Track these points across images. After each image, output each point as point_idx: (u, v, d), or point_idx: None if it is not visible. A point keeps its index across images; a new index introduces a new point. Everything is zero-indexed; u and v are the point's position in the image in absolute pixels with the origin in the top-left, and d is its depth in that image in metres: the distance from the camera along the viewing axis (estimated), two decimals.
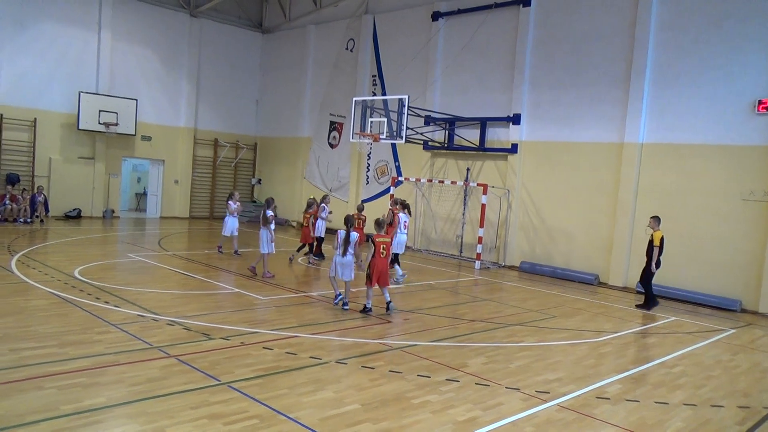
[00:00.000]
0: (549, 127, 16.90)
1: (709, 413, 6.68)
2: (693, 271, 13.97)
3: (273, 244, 12.94)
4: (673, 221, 14.24)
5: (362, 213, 15.28)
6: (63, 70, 21.44)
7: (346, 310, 10.24)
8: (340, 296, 10.44)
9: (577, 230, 16.20)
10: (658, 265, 12.46)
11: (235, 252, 15.44)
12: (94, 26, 22.04)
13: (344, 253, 10.07)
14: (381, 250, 9.97)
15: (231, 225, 15.58)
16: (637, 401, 6.83)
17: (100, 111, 21.57)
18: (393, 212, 14.29)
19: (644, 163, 14.92)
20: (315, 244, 15.59)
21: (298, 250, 15.78)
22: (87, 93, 21.50)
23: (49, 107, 21.21)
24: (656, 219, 12.56)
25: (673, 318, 12.05)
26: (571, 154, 16.38)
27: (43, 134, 21.13)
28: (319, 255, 15.72)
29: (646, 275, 12.63)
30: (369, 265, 10.02)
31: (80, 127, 21.38)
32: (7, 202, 19.32)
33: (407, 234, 14.21)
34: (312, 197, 16.60)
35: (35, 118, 20.89)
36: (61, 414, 5.28)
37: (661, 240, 12.42)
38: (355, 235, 10.16)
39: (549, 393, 6.83)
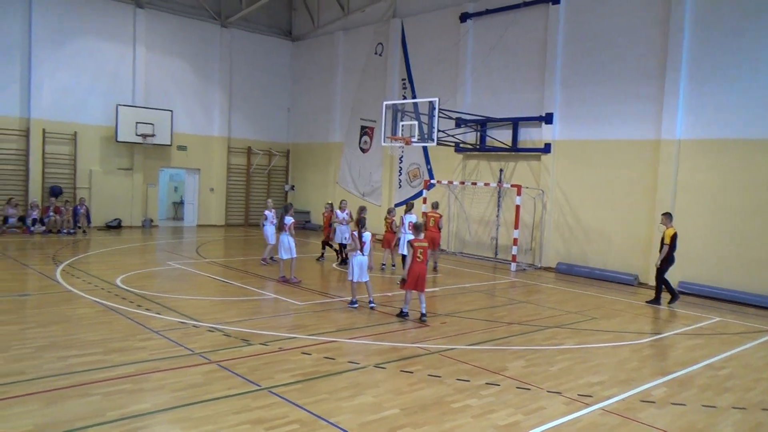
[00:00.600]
0: (582, 125, 16.65)
1: (760, 417, 6.47)
2: (736, 270, 13.56)
3: (293, 249, 12.86)
4: (715, 218, 13.89)
5: (392, 215, 15.57)
6: (101, 84, 22.02)
7: (373, 308, 10.55)
8: (356, 303, 10.79)
9: (614, 230, 15.90)
10: (671, 261, 12.48)
11: (271, 258, 15.60)
12: (129, 40, 22.59)
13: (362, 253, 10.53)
14: (418, 254, 9.84)
15: (271, 232, 15.55)
16: (684, 405, 6.66)
17: (137, 123, 22.08)
18: (426, 216, 14.53)
19: (682, 160, 14.57)
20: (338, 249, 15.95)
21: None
22: (124, 105, 22.03)
23: (88, 121, 21.79)
24: (668, 216, 12.59)
25: (718, 318, 11.72)
26: (605, 152, 16.10)
27: (83, 147, 21.72)
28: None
29: (658, 272, 12.68)
30: (407, 269, 9.87)
31: (118, 139, 21.92)
32: (51, 213, 19.89)
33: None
34: (329, 202, 16.99)
35: (75, 132, 21.49)
36: (107, 420, 5.40)
37: (673, 237, 12.38)
38: (367, 235, 10.54)
39: (592, 396, 6.70)
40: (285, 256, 12.85)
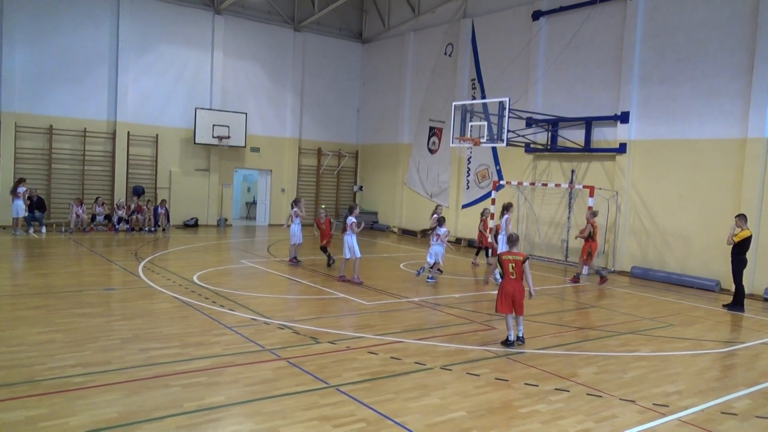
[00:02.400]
0: (661, 124, 15.99)
1: None
2: None
3: (355, 249, 12.81)
4: None
5: (486, 216, 15.97)
6: (181, 89, 23.04)
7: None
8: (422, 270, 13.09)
9: (694, 233, 15.18)
10: (743, 263, 12.22)
11: (295, 258, 15.35)
12: (208, 46, 23.51)
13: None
14: (510, 270, 8.44)
15: (297, 232, 15.25)
16: None
17: (213, 125, 22.96)
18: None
19: None
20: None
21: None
22: (202, 109, 22.96)
23: (169, 124, 22.85)
24: (742, 217, 12.24)
25: None
26: (686, 152, 15.38)
27: (164, 149, 22.80)
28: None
29: (734, 275, 12.41)
30: (499, 289, 8.65)
31: (196, 141, 22.85)
32: (135, 212, 20.98)
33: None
34: (323, 207, 16.95)
35: (157, 134, 22.58)
36: (185, 411, 5.66)
37: (747, 239, 12.10)
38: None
39: (668, 406, 6.44)
40: (348, 256, 12.96)
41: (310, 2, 25.33)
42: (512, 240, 9.10)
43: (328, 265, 14.91)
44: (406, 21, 24.88)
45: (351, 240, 12.93)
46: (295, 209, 15.50)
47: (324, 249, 15.18)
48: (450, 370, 7.32)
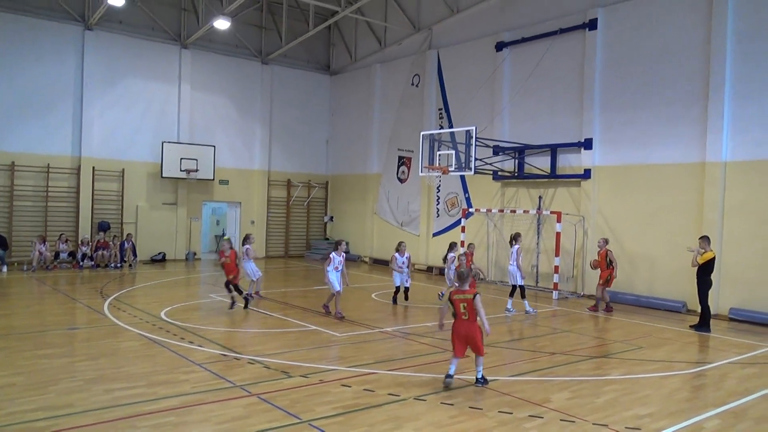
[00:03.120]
0: (623, 150, 16.40)
1: None
2: None
3: (334, 283, 12.38)
4: (767, 242, 13.40)
5: (472, 249, 15.08)
6: (147, 123, 22.86)
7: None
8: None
9: (659, 255, 15.48)
10: (709, 284, 12.52)
11: (257, 293, 14.83)
12: (175, 80, 23.45)
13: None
14: (462, 310, 7.77)
15: (251, 267, 14.55)
16: None
17: (181, 159, 22.78)
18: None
19: (729, 182, 14.17)
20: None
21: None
22: (169, 142, 22.78)
23: (135, 158, 22.59)
24: (705, 239, 12.58)
25: None
26: (648, 176, 15.79)
27: (130, 183, 22.49)
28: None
29: (700, 296, 12.66)
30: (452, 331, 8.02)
31: (164, 175, 22.62)
32: (100, 248, 20.55)
33: (515, 265, 13.99)
34: (227, 238, 15.57)
35: (123, 169, 22.29)
36: None
37: (711, 261, 12.45)
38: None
39: (640, 429, 6.47)
40: (337, 289, 12.48)
41: (277, 35, 25.58)
42: (462, 277, 8.01)
43: (231, 307, 12.92)
44: (372, 53, 25.25)
45: (329, 276, 12.51)
46: (247, 246, 14.63)
47: (228, 285, 13.20)
48: (424, 400, 7.26)
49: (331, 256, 12.65)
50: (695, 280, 12.71)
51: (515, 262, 13.94)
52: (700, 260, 12.39)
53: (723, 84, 14.20)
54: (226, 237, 16.17)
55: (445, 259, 15.18)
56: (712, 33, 14.44)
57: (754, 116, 13.84)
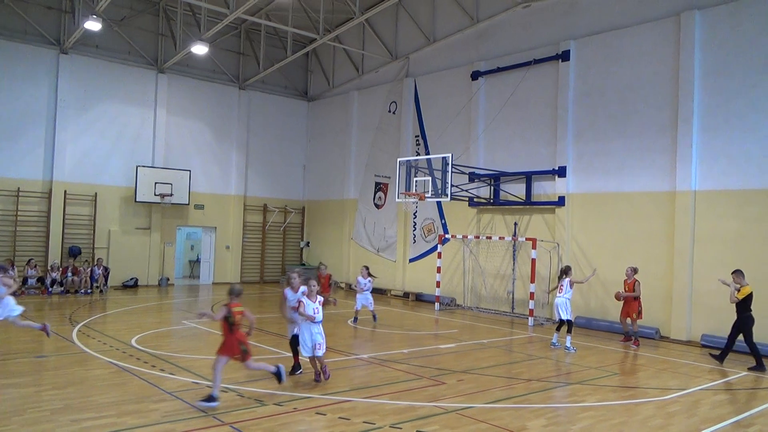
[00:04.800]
0: (596, 178, 16.69)
1: None
2: (763, 322, 13.16)
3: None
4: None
5: (325, 272, 14.87)
6: (122, 147, 22.64)
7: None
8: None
9: None
10: (751, 321, 11.65)
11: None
12: (151, 104, 23.33)
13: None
14: (238, 320, 8.23)
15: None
16: None
17: (155, 183, 22.53)
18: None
19: (699, 211, 14.47)
20: None
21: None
22: (144, 167, 22.55)
23: (108, 182, 22.30)
24: (739, 273, 11.84)
25: (745, 373, 11.37)
26: (621, 204, 16.07)
27: (103, 208, 22.15)
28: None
29: (744, 336, 11.79)
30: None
31: (137, 200, 22.33)
32: (70, 274, 20.10)
33: (566, 297, 13.21)
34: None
35: (96, 193, 21.96)
36: None
37: (750, 295, 11.64)
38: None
39: None
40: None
41: (255, 61, 25.67)
42: (234, 292, 8.56)
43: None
44: (350, 80, 25.48)
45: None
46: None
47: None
48: (400, 428, 7.18)
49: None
50: (735, 319, 11.83)
51: (567, 295, 13.17)
52: (739, 296, 11.66)
53: (691, 116, 14.61)
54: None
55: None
56: (680, 67, 14.89)
57: (720, 147, 14.22)
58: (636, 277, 13.99)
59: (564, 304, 13.12)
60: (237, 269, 25.83)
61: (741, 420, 8.15)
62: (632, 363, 11.81)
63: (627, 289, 14.04)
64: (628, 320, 14.06)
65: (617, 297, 14.22)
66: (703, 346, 13.89)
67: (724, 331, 13.70)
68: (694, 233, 14.50)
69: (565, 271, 13.56)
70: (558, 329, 13.33)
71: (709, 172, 14.39)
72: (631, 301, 13.90)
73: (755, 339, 11.77)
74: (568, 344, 12.89)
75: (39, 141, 20.95)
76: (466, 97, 20.27)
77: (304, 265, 27.08)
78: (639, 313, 13.90)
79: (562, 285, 13.31)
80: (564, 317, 13.09)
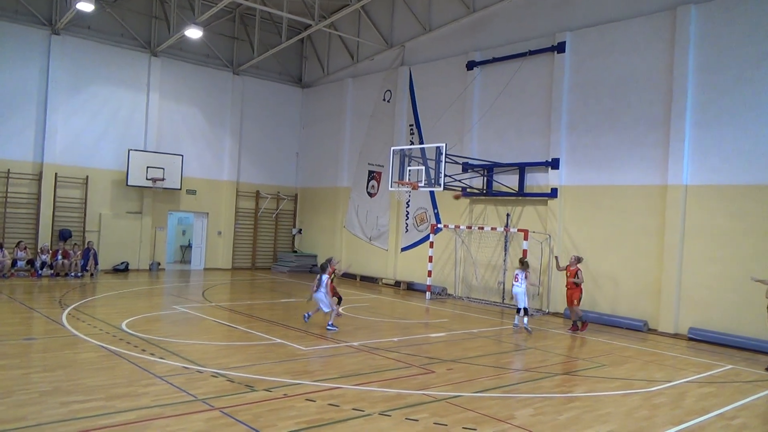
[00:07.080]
0: (589, 170, 16.75)
1: None
2: (748, 317, 13.35)
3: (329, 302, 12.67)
4: (725, 264, 13.80)
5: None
6: (114, 130, 22.46)
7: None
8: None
9: (622, 275, 15.79)
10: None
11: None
12: (144, 87, 23.14)
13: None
14: None
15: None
16: None
17: (147, 167, 22.41)
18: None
19: (690, 205, 14.57)
20: None
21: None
22: (135, 150, 22.40)
23: (100, 165, 22.15)
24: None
25: (730, 366, 11.51)
26: (612, 197, 16.14)
27: (94, 191, 22.02)
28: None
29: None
30: None
31: (129, 183, 22.20)
32: (60, 257, 20.01)
33: (522, 288, 14.15)
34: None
35: (87, 176, 21.82)
36: None
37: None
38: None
39: None
40: (326, 310, 12.69)
41: (249, 47, 25.50)
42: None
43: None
44: (345, 67, 25.36)
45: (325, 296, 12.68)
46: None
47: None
48: (389, 415, 7.23)
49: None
50: (766, 316, 11.58)
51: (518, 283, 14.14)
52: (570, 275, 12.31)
53: (684, 111, 14.66)
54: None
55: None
56: (675, 62, 14.91)
57: (712, 143, 14.29)
58: (579, 266, 14.57)
59: (521, 294, 14.13)
60: (228, 255, 25.79)
61: (725, 412, 8.26)
62: (620, 355, 11.90)
63: (569, 275, 14.56)
64: (574, 307, 14.58)
65: (558, 267, 15.17)
66: (690, 339, 14.03)
67: (712, 324, 13.91)
68: (684, 227, 14.60)
69: (523, 263, 14.42)
70: (518, 312, 14.32)
71: (701, 167, 14.46)
72: (573, 287, 14.48)
73: (748, 333, 11.84)
74: (525, 323, 14.03)
75: (30, 122, 20.76)
76: (460, 87, 20.23)
77: (296, 252, 27.10)
78: (578, 300, 14.52)
79: (517, 275, 14.24)
80: (520, 306, 14.14)
